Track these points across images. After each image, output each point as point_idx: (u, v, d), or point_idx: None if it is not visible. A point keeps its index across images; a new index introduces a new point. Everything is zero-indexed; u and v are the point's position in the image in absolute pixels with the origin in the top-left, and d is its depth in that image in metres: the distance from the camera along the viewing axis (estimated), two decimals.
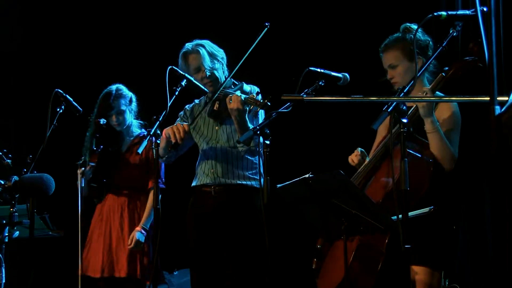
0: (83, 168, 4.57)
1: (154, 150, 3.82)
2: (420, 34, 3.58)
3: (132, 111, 4.83)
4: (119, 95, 4.74)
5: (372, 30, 3.87)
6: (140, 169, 4.71)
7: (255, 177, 4.12)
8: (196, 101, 4.39)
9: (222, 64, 4.23)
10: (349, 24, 5.28)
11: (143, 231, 4.57)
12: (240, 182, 4.10)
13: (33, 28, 6.32)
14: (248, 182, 4.12)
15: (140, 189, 4.71)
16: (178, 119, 4.32)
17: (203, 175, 4.16)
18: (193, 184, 4.25)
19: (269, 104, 3.65)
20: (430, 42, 3.60)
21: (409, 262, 3.00)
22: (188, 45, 4.20)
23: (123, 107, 4.74)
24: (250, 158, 4.15)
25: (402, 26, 3.66)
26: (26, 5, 6.35)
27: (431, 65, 3.50)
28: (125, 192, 4.71)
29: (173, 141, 3.95)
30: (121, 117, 4.75)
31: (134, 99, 4.84)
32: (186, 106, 4.38)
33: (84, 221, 4.61)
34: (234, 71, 3.96)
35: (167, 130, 3.99)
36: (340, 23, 5.35)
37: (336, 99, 3.16)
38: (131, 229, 4.59)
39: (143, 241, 4.55)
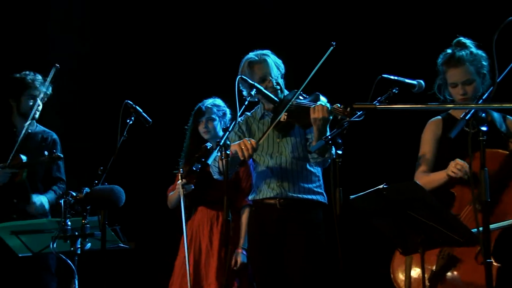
0: (183, 180, 4.57)
1: (223, 161, 3.69)
2: (477, 50, 3.62)
3: (224, 126, 4.73)
4: (213, 105, 4.79)
5: (447, 36, 3.75)
6: (229, 185, 4.58)
7: (318, 190, 4.08)
8: (248, 113, 4.30)
9: (282, 76, 4.18)
10: (424, 29, 5.17)
11: (244, 252, 4.55)
12: (306, 196, 4.04)
13: (103, 40, 6.42)
14: (314, 197, 4.06)
15: (231, 205, 4.60)
16: (232, 132, 4.17)
17: (268, 189, 4.08)
18: (251, 197, 4.22)
19: (357, 113, 3.42)
20: None
21: (491, 275, 2.87)
22: (253, 55, 4.17)
23: (214, 116, 4.76)
24: (313, 170, 4.08)
25: (455, 40, 3.66)
26: (95, 17, 6.47)
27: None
28: (215, 207, 4.67)
29: (242, 158, 3.86)
30: (211, 125, 4.74)
31: (228, 113, 4.83)
32: (239, 119, 4.21)
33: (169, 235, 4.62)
34: (305, 83, 3.86)
35: (233, 147, 3.85)
36: (413, 28, 5.25)
37: (410, 107, 3.06)
38: (221, 244, 4.56)
39: (246, 261, 4.52)
